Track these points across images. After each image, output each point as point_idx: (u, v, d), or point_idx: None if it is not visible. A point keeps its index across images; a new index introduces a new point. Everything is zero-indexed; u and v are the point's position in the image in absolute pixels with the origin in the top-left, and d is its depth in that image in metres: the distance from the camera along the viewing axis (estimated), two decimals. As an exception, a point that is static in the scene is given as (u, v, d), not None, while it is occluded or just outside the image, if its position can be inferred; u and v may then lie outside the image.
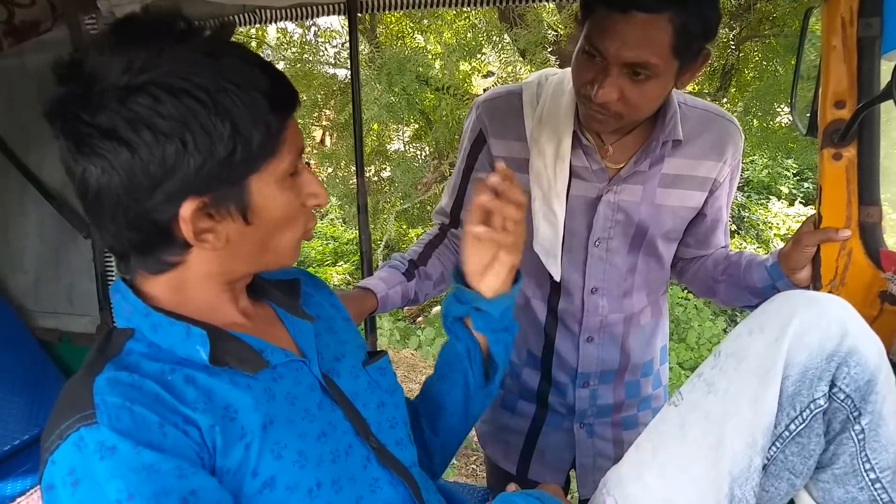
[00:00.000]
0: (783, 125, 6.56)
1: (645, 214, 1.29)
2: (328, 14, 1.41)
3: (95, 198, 0.66)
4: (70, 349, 1.94)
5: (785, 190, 9.67)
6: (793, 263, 1.18)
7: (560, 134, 1.25)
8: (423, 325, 6.71)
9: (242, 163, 0.66)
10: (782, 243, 7.32)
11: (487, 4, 1.39)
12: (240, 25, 1.40)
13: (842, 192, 1.14)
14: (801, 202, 9.38)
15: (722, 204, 1.35)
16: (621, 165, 1.27)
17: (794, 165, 9.55)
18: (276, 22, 1.38)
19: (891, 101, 1.00)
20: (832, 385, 0.75)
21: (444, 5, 1.34)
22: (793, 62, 5.61)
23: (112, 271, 1.57)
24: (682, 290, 5.87)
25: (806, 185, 9.84)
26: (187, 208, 0.66)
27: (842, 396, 0.75)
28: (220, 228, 0.69)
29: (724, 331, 5.46)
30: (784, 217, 8.94)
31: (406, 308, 7.91)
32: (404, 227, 8.00)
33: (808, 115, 1.21)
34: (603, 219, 1.29)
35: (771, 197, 9.51)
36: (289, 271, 0.94)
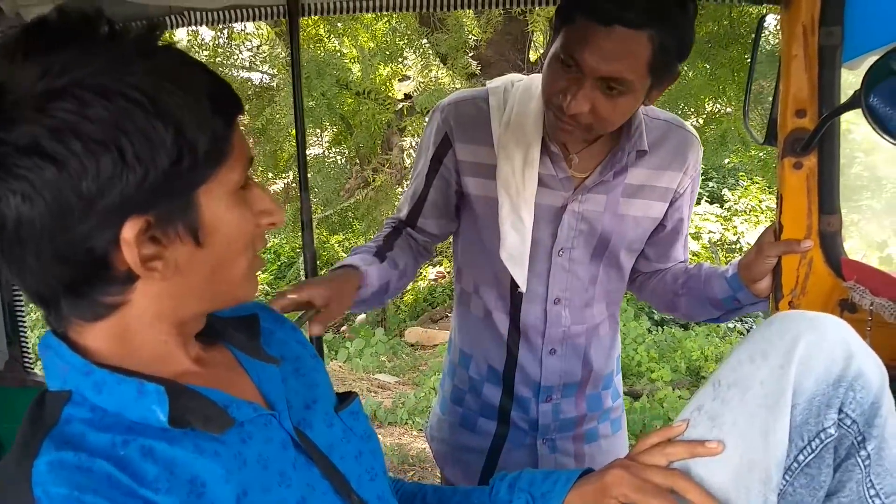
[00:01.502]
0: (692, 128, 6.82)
1: (608, 224, 1.27)
2: (266, 18, 1.31)
3: (14, 231, 0.54)
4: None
5: (693, 189, 10.09)
6: (753, 274, 1.18)
7: (529, 140, 1.22)
8: (348, 336, 6.57)
9: (189, 173, 0.57)
10: (693, 241, 7.57)
11: (430, 8, 1.32)
12: (166, 29, 1.28)
13: (802, 201, 1.14)
14: (706, 201, 9.82)
15: (683, 216, 1.35)
16: (586, 175, 1.25)
17: (702, 166, 9.99)
18: (208, 25, 1.26)
19: (853, 110, 1.00)
20: (839, 411, 0.72)
21: (385, 9, 1.27)
22: (700, 66, 5.83)
23: (21, 303, 1.40)
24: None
25: (711, 184, 10.30)
26: (130, 229, 0.55)
27: (848, 422, 0.72)
28: (169, 254, 0.59)
29: (649, 330, 5.60)
30: (694, 215, 9.33)
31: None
32: (325, 234, 7.81)
33: (767, 123, 1.21)
34: (567, 228, 1.27)
35: (680, 196, 9.89)
36: (246, 306, 0.83)
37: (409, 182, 1.37)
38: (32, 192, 0.52)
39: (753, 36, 1.28)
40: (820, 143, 1.11)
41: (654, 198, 1.28)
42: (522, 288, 1.28)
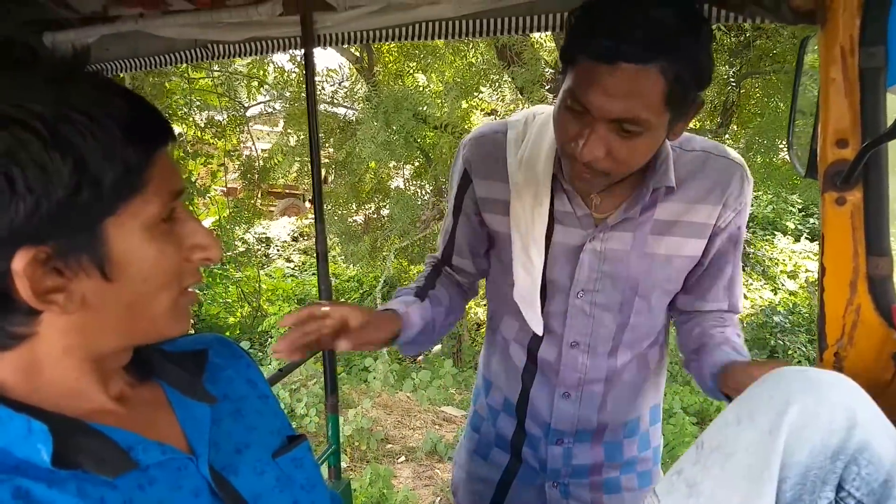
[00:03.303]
0: (786, 161, 6.49)
1: (635, 266, 1.16)
2: (285, 49, 1.32)
3: None
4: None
5: (791, 226, 9.56)
6: (736, 385, 1.01)
7: (540, 178, 1.14)
8: (421, 365, 6.55)
9: (91, 204, 0.55)
10: (789, 279, 7.06)
11: (448, 37, 1.29)
12: (192, 61, 1.32)
13: (847, 240, 1.02)
14: (806, 238, 9.28)
15: (725, 254, 1.20)
16: (608, 213, 1.15)
17: (799, 201, 9.45)
18: (230, 57, 1.29)
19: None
20: (839, 489, 0.61)
21: (402, 38, 1.25)
22: (794, 98, 5.55)
23: None
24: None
25: (811, 220, 9.73)
26: (20, 260, 0.53)
27: (852, 503, 0.61)
28: (73, 287, 0.57)
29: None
30: (790, 253, 8.80)
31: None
32: (404, 263, 7.91)
33: (808, 154, 1.10)
34: (587, 269, 1.17)
35: (776, 233, 9.39)
36: (203, 339, 0.80)
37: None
38: None
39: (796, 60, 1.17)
40: (865, 177, 0.99)
41: (688, 234, 1.15)
42: (537, 331, 1.21)
